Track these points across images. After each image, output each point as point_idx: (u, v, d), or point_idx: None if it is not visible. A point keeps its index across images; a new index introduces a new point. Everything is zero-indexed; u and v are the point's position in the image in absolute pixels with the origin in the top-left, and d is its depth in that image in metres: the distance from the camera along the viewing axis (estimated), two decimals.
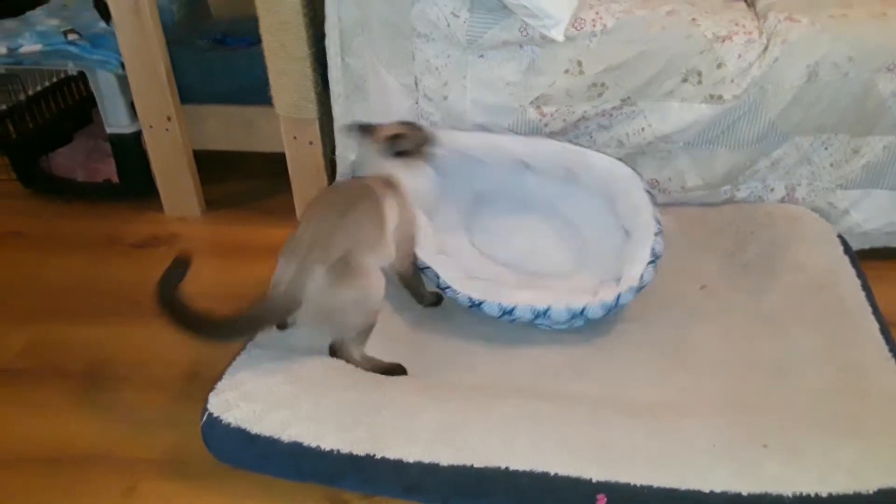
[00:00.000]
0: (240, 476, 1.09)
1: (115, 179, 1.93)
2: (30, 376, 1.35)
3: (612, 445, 1.00)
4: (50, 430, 1.23)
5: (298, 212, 1.83)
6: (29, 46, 1.72)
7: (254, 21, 1.90)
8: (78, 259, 1.70)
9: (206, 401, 1.12)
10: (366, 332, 1.21)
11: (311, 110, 1.70)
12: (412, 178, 1.35)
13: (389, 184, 1.31)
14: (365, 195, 1.25)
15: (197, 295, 1.46)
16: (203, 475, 1.12)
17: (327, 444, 1.04)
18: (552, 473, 0.96)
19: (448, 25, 1.53)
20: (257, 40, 1.83)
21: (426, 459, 1.01)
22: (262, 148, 1.83)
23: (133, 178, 1.89)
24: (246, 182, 2.03)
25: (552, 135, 1.62)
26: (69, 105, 2.11)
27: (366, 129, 1.39)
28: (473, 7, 1.52)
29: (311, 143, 1.75)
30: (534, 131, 1.62)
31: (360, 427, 1.05)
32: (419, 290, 1.38)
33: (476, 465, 0.99)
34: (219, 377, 1.18)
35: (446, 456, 1.01)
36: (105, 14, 1.69)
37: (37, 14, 1.92)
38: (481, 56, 1.56)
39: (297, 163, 1.78)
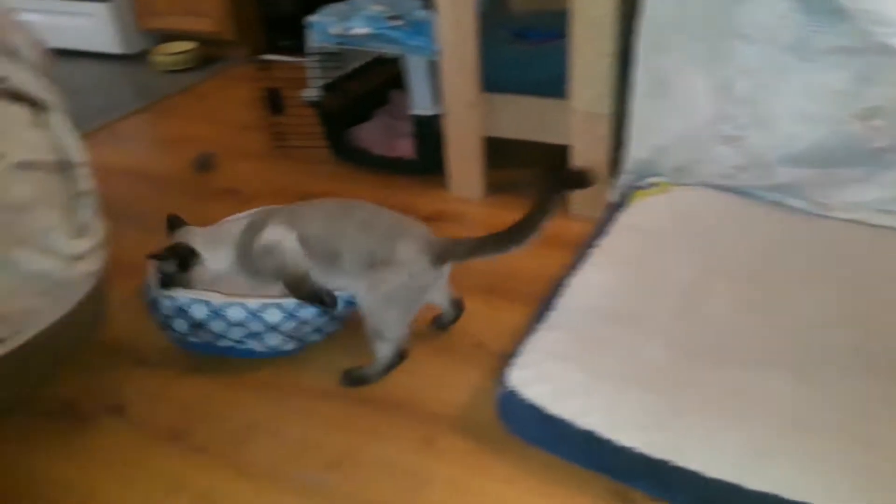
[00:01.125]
0: (528, 449, 1.13)
1: (410, 156, 2.08)
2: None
3: None
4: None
5: (574, 204, 1.84)
6: (359, 29, 1.90)
7: (552, 16, 1.93)
8: None
9: (503, 373, 1.18)
10: None
11: (607, 105, 1.70)
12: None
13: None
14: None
15: (464, 274, 1.52)
16: (493, 441, 1.17)
17: (623, 440, 1.03)
18: None
19: (775, 27, 1.43)
20: (556, 35, 1.86)
21: (729, 479, 0.96)
22: (551, 139, 1.86)
23: (427, 157, 2.02)
24: (524, 170, 2.08)
25: (878, 151, 1.46)
26: (372, 86, 2.31)
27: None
28: (808, 10, 1.40)
29: (600, 137, 1.75)
30: (853, 145, 1.47)
31: (660, 430, 1.03)
32: None
33: (787, 498, 0.92)
34: (510, 352, 1.24)
35: (753, 480, 0.95)
36: (429, 6, 1.81)
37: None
38: (807, 61, 1.44)
39: (583, 156, 1.78)
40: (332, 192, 2.04)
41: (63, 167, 1.09)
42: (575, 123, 1.75)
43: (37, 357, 1.09)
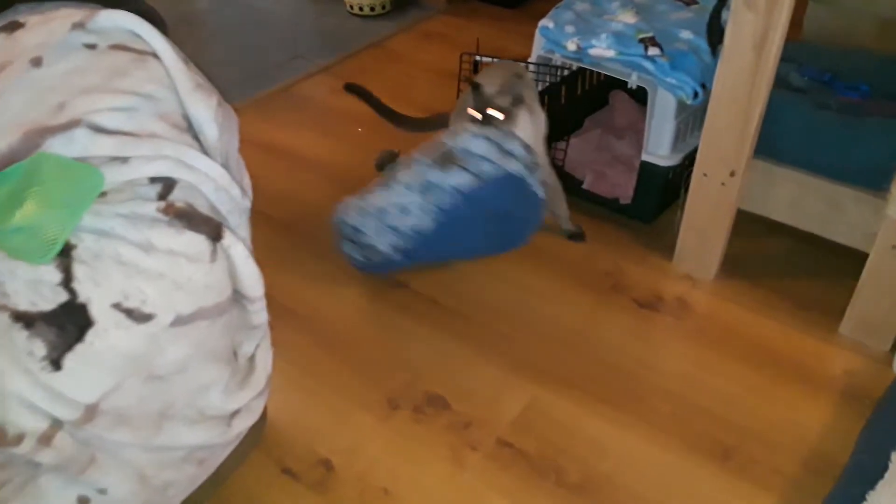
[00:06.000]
0: None
1: (625, 200, 1.61)
2: (521, 460, 1.15)
3: None
4: None
5: (848, 320, 1.33)
6: (600, 49, 1.40)
7: (864, 59, 1.35)
8: (579, 299, 1.45)
9: None
10: None
11: None
12: None
13: None
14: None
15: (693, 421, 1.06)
16: None
17: None
18: None
19: None
20: (868, 92, 1.29)
21: None
22: (836, 237, 1.32)
23: (646, 210, 1.55)
24: (775, 243, 1.55)
25: None
26: (584, 91, 1.81)
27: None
28: None
29: None
30: None
31: None
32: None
33: None
34: None
35: None
36: (715, 41, 1.28)
37: None
38: None
39: (881, 274, 1.25)
40: None
41: (235, 300, 0.78)
42: (881, 231, 1.21)
43: None
